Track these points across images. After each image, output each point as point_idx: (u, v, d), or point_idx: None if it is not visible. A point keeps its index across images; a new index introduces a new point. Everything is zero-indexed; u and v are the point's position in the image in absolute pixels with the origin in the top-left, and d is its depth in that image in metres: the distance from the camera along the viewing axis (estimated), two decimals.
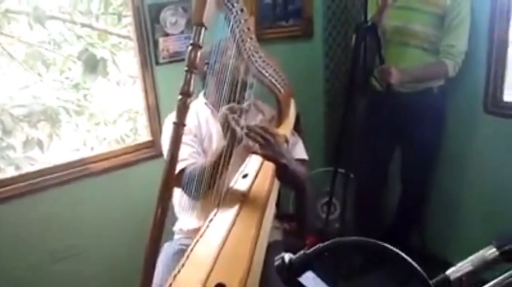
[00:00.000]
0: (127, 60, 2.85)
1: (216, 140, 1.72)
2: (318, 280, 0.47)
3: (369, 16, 2.36)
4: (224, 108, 1.50)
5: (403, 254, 0.44)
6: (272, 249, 1.56)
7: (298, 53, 2.92)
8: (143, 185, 2.34)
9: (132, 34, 2.40)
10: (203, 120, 1.79)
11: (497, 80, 2.43)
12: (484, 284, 0.47)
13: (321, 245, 0.48)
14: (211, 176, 1.47)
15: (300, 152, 1.81)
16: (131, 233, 2.28)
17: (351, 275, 2.63)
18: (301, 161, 1.77)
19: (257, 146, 1.48)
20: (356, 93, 2.42)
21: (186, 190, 1.56)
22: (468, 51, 2.36)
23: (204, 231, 1.43)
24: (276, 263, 0.48)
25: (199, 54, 1.20)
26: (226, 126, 1.49)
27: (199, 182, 1.49)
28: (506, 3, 2.33)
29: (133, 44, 2.45)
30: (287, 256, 0.48)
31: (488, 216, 2.54)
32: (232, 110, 1.50)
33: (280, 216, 1.89)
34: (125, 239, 2.41)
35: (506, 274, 0.47)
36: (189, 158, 1.63)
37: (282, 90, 1.69)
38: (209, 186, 1.49)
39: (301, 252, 0.48)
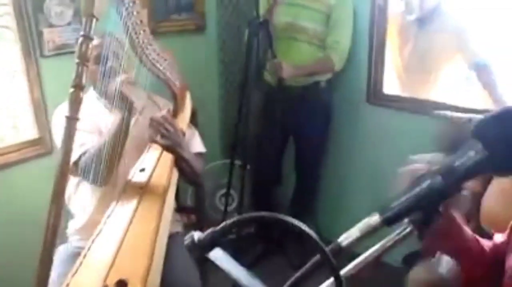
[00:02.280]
0: (5, 52, 2.63)
1: None
2: (227, 256, 0.50)
3: (261, 12, 2.44)
4: (118, 79, 1.46)
5: (301, 224, 0.47)
6: (173, 241, 1.56)
7: (192, 47, 2.92)
8: (30, 185, 2.19)
9: (12, 24, 2.23)
10: (96, 114, 1.73)
11: (378, 74, 2.65)
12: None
13: (228, 221, 0.51)
14: (110, 155, 1.43)
15: (196, 145, 1.83)
16: (17, 241, 2.13)
17: (252, 264, 2.72)
18: (198, 154, 1.79)
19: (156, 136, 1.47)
20: (250, 87, 2.50)
21: (85, 174, 1.50)
22: (351, 47, 2.55)
23: (102, 227, 1.39)
24: (186, 242, 0.50)
25: (90, 46, 1.16)
26: (121, 98, 1.45)
27: (98, 163, 1.44)
28: (383, 4, 2.54)
29: (12, 35, 2.27)
30: (196, 235, 0.50)
31: (374, 197, 2.76)
32: (127, 81, 1.47)
33: (179, 209, 1.89)
34: (11, 247, 2.23)
35: (388, 237, 0.53)
36: (86, 143, 1.57)
37: (177, 83, 1.69)
38: (109, 168, 1.44)
39: (209, 229, 0.50)
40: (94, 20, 1.16)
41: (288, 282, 0.51)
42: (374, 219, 0.52)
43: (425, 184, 0.53)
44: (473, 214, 1.73)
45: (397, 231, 0.53)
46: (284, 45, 2.54)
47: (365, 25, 2.60)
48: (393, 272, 2.31)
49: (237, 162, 2.63)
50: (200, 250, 0.48)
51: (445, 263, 1.34)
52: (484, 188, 1.85)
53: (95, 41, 1.28)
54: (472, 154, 0.52)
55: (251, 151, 2.62)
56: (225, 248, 0.52)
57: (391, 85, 2.66)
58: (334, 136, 2.85)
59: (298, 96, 2.56)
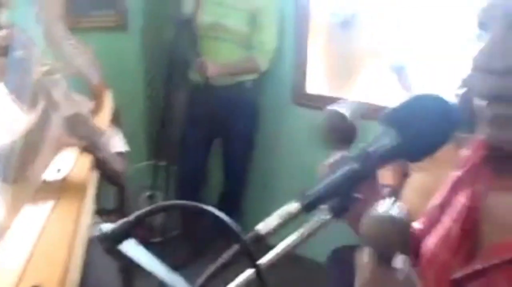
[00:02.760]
0: None
1: None
2: (140, 247, 0.47)
3: (186, 10, 2.41)
4: (32, 73, 1.38)
5: (219, 212, 0.46)
6: (93, 246, 1.49)
7: (115, 45, 2.82)
8: None
9: None
10: (4, 110, 1.61)
11: (301, 74, 2.71)
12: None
13: (142, 211, 0.48)
14: (22, 154, 1.34)
15: (117, 144, 1.77)
16: None
17: (180, 266, 2.66)
18: (120, 153, 1.74)
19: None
20: (175, 86, 2.45)
21: None
22: (277, 47, 2.58)
23: (12, 230, 1.29)
24: (96, 233, 0.47)
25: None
26: (34, 93, 1.36)
27: (7, 161, 1.34)
28: (307, 6, 2.61)
29: None
30: (106, 226, 0.47)
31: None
32: (47, 73, 1.39)
33: (100, 211, 1.81)
34: None
35: (307, 224, 0.53)
36: None
37: (95, 81, 1.63)
38: (20, 167, 1.35)
39: (122, 220, 0.47)
40: (4, 9, 1.08)
41: (207, 273, 0.49)
42: (294, 205, 0.51)
43: (341, 170, 0.53)
44: None
45: (316, 218, 0.54)
46: (209, 45, 2.52)
47: (291, 26, 2.65)
48: (319, 268, 2.36)
49: (163, 163, 2.58)
50: (111, 241, 0.45)
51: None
52: (401, 184, 1.95)
53: (3, 32, 1.19)
54: (386, 140, 0.53)
55: (176, 151, 2.58)
56: (152, 251, 0.49)
57: (316, 86, 2.72)
58: (261, 136, 2.87)
59: (223, 96, 2.55)
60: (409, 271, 0.60)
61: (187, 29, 2.40)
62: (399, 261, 0.64)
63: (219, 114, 2.59)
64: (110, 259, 0.49)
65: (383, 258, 0.62)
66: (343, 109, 0.75)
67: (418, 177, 1.84)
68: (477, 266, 0.62)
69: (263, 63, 2.55)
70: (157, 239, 2.58)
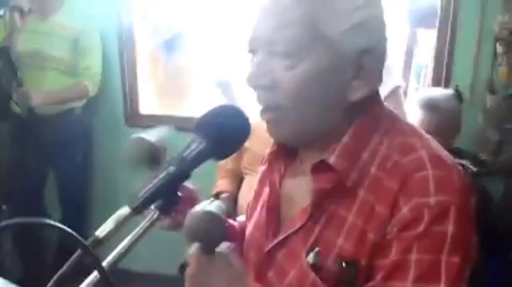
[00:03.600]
0: None
1: None
2: None
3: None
4: None
5: (57, 223, 0.52)
6: None
7: None
8: None
9: None
10: None
11: (133, 95, 2.76)
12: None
13: None
14: None
15: None
16: None
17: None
18: None
19: None
20: None
21: None
22: (104, 71, 2.59)
23: None
24: None
25: None
26: None
27: None
28: (129, 27, 2.66)
29: None
30: None
31: None
32: None
33: None
34: None
35: (140, 225, 0.63)
36: None
37: None
38: None
39: None
40: None
41: (51, 282, 0.54)
42: (125, 209, 0.60)
43: (161, 174, 0.64)
44: (232, 213, 1.99)
45: (147, 218, 0.63)
46: (32, 74, 2.43)
47: (115, 49, 2.68)
48: (171, 282, 2.42)
49: None
50: None
51: None
52: (238, 188, 2.14)
53: None
54: (195, 145, 0.65)
55: (6, 188, 2.41)
56: None
57: (148, 105, 2.80)
58: (97, 161, 2.84)
59: (52, 126, 2.47)
60: (228, 254, 0.74)
61: (3, 58, 2.28)
62: (223, 247, 0.78)
63: (49, 145, 2.50)
64: None
65: (205, 249, 0.75)
66: (149, 136, 0.87)
67: (249, 179, 2.05)
68: (281, 237, 0.78)
69: (91, 89, 2.53)
70: None
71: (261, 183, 0.90)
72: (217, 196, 2.12)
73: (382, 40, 0.74)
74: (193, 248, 0.76)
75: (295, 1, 0.69)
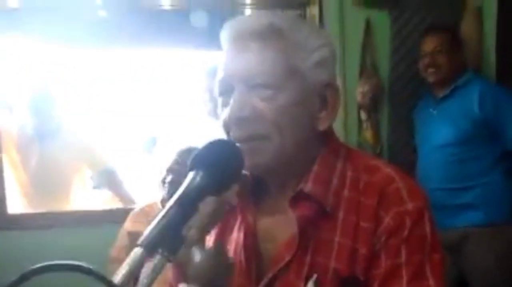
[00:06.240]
0: None
1: None
2: None
3: None
4: None
5: (89, 266, 0.46)
6: None
7: None
8: None
9: None
10: None
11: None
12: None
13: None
14: None
15: None
16: None
17: None
18: None
19: None
20: None
21: None
22: None
23: None
24: None
25: None
26: None
27: None
28: None
29: None
30: None
31: None
32: None
33: None
34: None
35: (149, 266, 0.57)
36: None
37: None
38: None
39: None
40: None
41: None
42: (137, 251, 0.54)
43: (165, 215, 0.59)
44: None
45: (155, 262, 0.57)
46: None
47: None
48: None
49: None
50: None
51: None
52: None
53: None
54: (197, 180, 0.63)
55: None
56: None
57: (20, 205, 2.51)
58: None
59: None
60: None
61: None
62: None
63: None
64: None
65: None
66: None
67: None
68: (270, 274, 0.76)
69: None
70: None
71: (222, 234, 0.87)
72: None
73: (336, 76, 0.83)
74: None
75: (269, 40, 0.74)
